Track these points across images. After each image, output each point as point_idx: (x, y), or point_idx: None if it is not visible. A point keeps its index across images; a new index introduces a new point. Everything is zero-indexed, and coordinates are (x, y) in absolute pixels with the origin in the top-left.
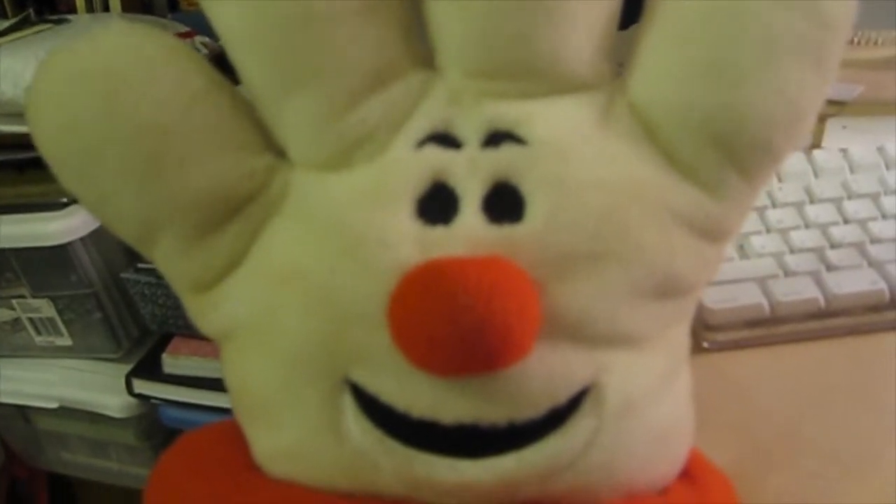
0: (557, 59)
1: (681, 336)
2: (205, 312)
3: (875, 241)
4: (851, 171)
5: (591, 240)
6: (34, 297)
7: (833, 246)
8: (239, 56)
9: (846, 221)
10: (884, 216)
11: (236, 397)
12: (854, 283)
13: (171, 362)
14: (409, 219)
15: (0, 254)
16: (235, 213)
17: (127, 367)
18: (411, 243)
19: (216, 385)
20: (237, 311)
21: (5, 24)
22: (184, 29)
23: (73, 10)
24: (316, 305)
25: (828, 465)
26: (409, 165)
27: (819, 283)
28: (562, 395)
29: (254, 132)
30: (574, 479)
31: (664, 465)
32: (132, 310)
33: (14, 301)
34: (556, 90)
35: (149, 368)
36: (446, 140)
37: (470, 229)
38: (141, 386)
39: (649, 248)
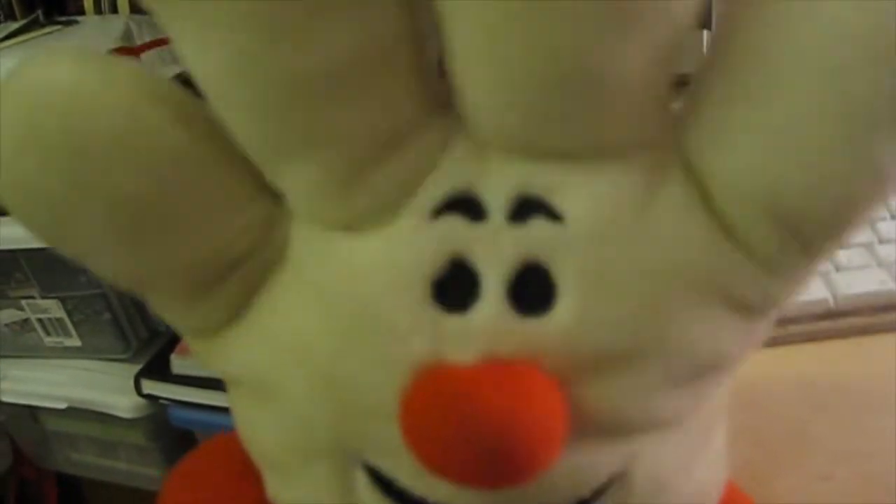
0: (604, 131)
1: (717, 403)
2: (209, 359)
3: (884, 241)
4: None
5: (629, 337)
6: (43, 297)
7: (842, 246)
8: (223, 115)
9: None
10: (892, 216)
11: (244, 440)
12: (863, 283)
13: (180, 363)
14: (422, 304)
15: (9, 255)
16: (233, 269)
17: (136, 368)
18: (425, 335)
19: (225, 386)
20: (240, 367)
21: (14, 26)
22: None
23: (81, 12)
24: (323, 388)
25: (836, 467)
26: (424, 240)
27: (828, 283)
28: (588, 488)
29: (245, 180)
30: None
31: None
32: (141, 310)
33: (23, 302)
34: (599, 151)
35: (158, 369)
36: (468, 205)
37: (491, 321)
38: (150, 386)
39: (694, 340)
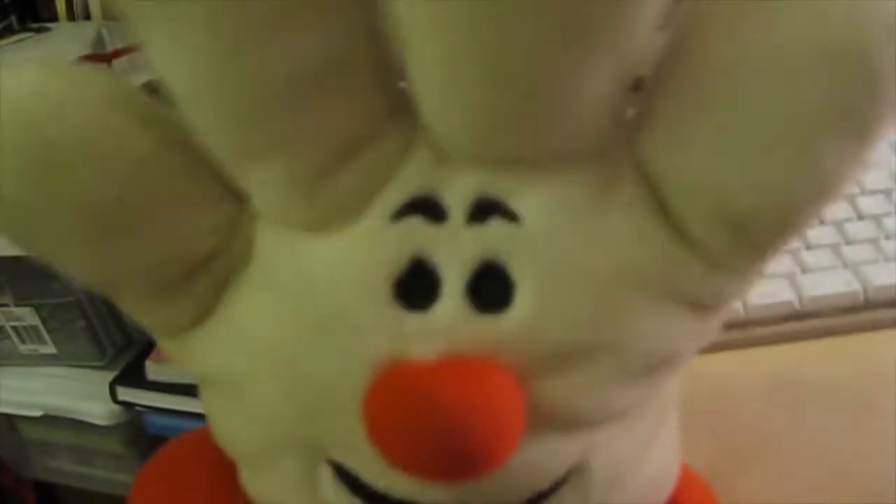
0: (557, 133)
1: (670, 393)
2: (179, 357)
3: (850, 242)
4: None
5: (585, 332)
6: (17, 305)
7: (808, 247)
8: (191, 118)
9: (821, 223)
10: (859, 217)
11: (217, 436)
12: (829, 284)
13: (155, 368)
14: (384, 303)
15: None
16: (200, 269)
17: (111, 375)
18: (386, 333)
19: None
20: (209, 366)
21: None
22: None
23: (55, 18)
24: (287, 386)
25: (802, 467)
26: (386, 240)
27: (794, 284)
28: (546, 481)
29: (211, 182)
30: None
31: None
32: (116, 317)
33: None
34: (554, 154)
35: (133, 376)
36: (428, 208)
37: (451, 318)
38: (125, 393)
39: (647, 335)
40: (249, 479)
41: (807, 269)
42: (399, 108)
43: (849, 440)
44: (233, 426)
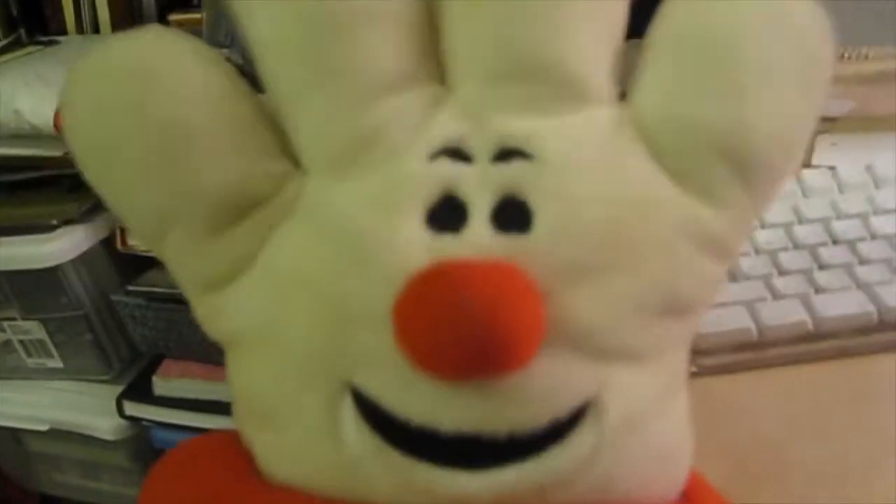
0: (565, 63)
1: (680, 360)
2: (213, 315)
3: (864, 262)
4: (840, 190)
5: (597, 251)
6: (25, 319)
7: (821, 267)
8: (268, 59)
9: (835, 242)
10: (872, 236)
11: (240, 402)
12: (842, 305)
13: (162, 384)
14: (418, 226)
15: None
16: (248, 213)
17: (118, 389)
18: (419, 248)
19: (207, 407)
20: (244, 314)
21: None
22: None
23: (63, 31)
24: (322, 309)
25: (816, 489)
26: (420, 176)
27: (807, 305)
28: (563, 407)
29: (273, 139)
30: (572, 496)
31: (663, 483)
32: (123, 332)
33: (5, 323)
34: (566, 102)
35: (139, 390)
36: (458, 154)
37: (478, 237)
38: (132, 408)
39: (655, 262)
40: (269, 449)
41: (820, 289)
42: (434, 77)
43: (864, 463)
44: (260, 378)
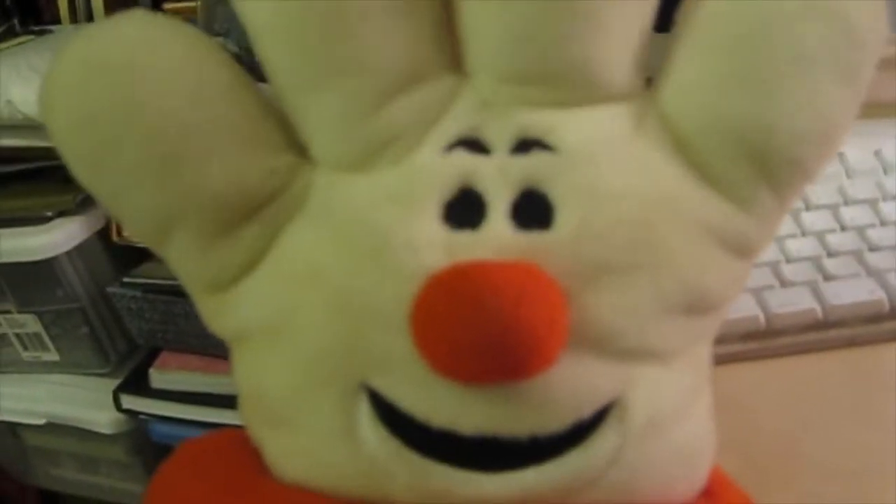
0: (591, 64)
1: (705, 354)
2: (219, 314)
3: (873, 248)
4: (848, 176)
5: (622, 251)
6: (20, 312)
7: (830, 254)
8: (269, 50)
9: (843, 229)
10: (882, 223)
11: (248, 401)
12: (852, 293)
13: (159, 377)
14: (435, 223)
15: None
16: (255, 212)
17: (115, 383)
18: (437, 247)
19: (205, 400)
20: (253, 312)
21: None
22: None
23: (57, 21)
24: (336, 308)
25: (826, 481)
26: (436, 170)
27: (816, 293)
28: (586, 409)
29: (277, 130)
30: (594, 498)
31: (686, 484)
32: (119, 324)
33: (0, 317)
34: (588, 99)
35: (137, 383)
36: (475, 146)
37: (497, 234)
38: (129, 401)
39: (680, 260)
40: (280, 448)
41: (829, 276)
42: (449, 65)
43: (875, 456)
44: (272, 375)
